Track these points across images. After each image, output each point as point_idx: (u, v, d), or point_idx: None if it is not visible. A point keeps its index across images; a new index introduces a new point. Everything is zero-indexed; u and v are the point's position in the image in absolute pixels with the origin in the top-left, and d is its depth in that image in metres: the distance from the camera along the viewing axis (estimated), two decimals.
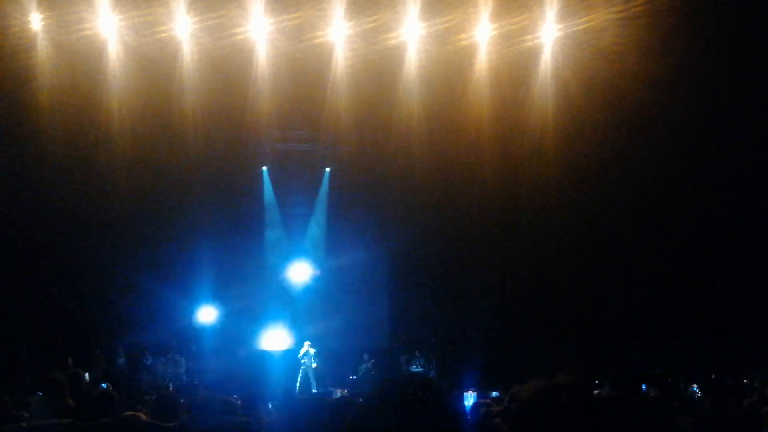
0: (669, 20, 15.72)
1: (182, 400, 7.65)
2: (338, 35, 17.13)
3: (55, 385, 7.00)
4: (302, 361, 18.21)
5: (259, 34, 17.06)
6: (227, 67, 17.37)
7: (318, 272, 20.93)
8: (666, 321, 17.97)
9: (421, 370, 18.89)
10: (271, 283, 21.07)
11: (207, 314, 20.06)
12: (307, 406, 7.16)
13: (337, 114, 18.09)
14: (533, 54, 17.70)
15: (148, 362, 18.44)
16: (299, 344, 18.65)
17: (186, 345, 19.52)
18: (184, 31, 16.81)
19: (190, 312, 20.04)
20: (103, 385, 13.76)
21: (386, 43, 17.17)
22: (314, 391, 17.52)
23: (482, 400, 8.03)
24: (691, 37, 15.84)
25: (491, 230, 19.83)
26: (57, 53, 16.77)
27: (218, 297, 20.38)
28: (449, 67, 17.75)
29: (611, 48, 16.67)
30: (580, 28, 16.88)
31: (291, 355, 18.93)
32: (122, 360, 18.26)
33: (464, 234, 20.22)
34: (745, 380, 13.53)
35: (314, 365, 18.21)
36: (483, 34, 17.31)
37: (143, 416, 5.35)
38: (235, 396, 9.24)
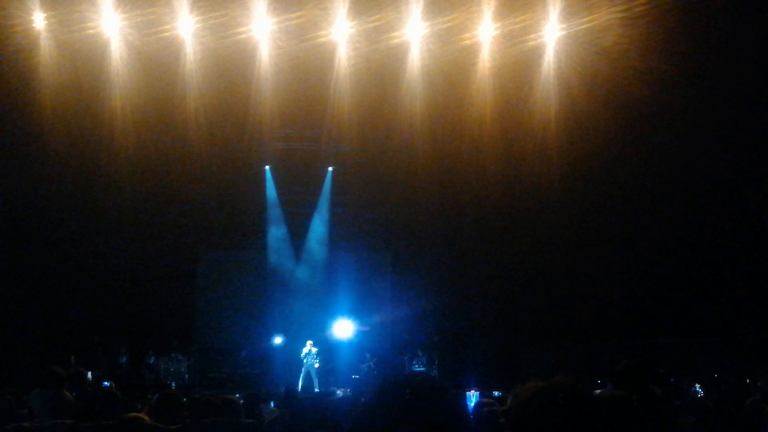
0: (672, 19, 15.70)
1: (184, 399, 7.66)
2: (341, 34, 17.13)
3: (53, 379, 7.01)
4: (304, 360, 18.22)
5: (262, 33, 17.06)
6: (230, 67, 17.38)
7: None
8: (668, 320, 17.95)
9: (423, 369, 18.90)
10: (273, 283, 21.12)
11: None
12: (309, 406, 7.17)
13: (339, 113, 18.10)
14: (536, 53, 17.69)
15: (151, 361, 18.47)
16: (302, 343, 18.67)
17: (188, 344, 19.57)
18: (186, 30, 16.82)
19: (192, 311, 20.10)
20: (106, 383, 13.79)
21: (389, 43, 17.16)
22: (316, 390, 17.53)
23: (485, 400, 8.03)
24: (694, 37, 15.82)
25: (494, 229, 19.84)
26: (60, 52, 16.79)
27: (220, 297, 20.45)
28: (452, 67, 17.75)
29: (614, 47, 16.65)
30: (583, 27, 16.86)
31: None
32: (125, 358, 18.30)
33: (467, 233, 20.23)
34: (748, 380, 13.51)
35: (316, 364, 18.23)
36: (486, 34, 17.30)
37: (146, 418, 5.35)
38: (237, 395, 9.25)
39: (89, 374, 15.51)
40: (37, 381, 7.24)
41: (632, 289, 18.27)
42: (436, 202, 19.72)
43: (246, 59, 17.33)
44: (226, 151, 19.72)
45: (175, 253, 19.89)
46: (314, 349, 18.30)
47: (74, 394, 7.41)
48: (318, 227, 21.68)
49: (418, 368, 18.93)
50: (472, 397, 12.45)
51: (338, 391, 15.07)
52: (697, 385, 12.77)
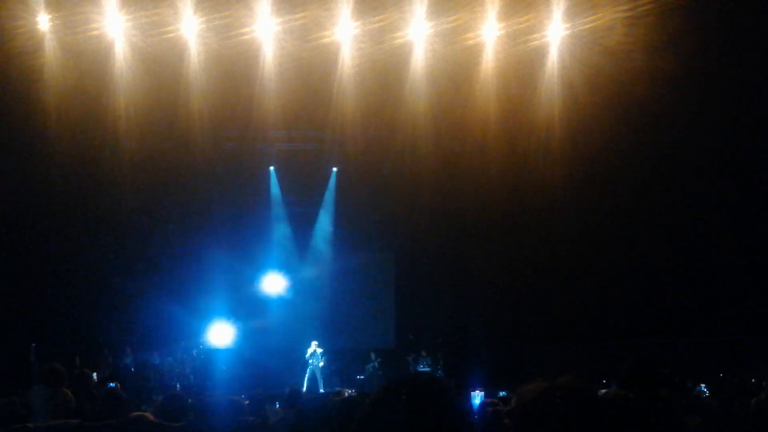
0: (676, 19, 15.67)
1: (189, 400, 7.67)
2: (345, 35, 17.13)
3: (54, 376, 7.03)
4: (309, 360, 18.24)
5: (266, 33, 17.07)
6: (234, 67, 17.39)
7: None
8: (673, 320, 17.92)
9: (428, 369, 18.90)
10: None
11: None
12: (314, 406, 7.17)
13: (343, 113, 18.10)
14: (540, 53, 17.67)
15: (155, 362, 18.48)
16: (307, 344, 18.67)
17: (192, 345, 19.58)
18: (190, 31, 16.84)
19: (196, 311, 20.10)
20: (111, 384, 13.80)
21: (393, 43, 17.16)
22: (321, 390, 17.54)
23: (489, 400, 8.02)
24: (698, 36, 15.78)
25: (498, 229, 19.81)
26: (64, 54, 16.82)
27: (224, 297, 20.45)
28: (456, 67, 17.73)
29: (618, 47, 16.63)
30: (587, 27, 16.84)
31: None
32: (129, 359, 18.31)
33: (471, 233, 20.22)
34: (753, 379, 13.49)
35: (321, 364, 18.25)
36: (489, 34, 17.29)
37: (150, 417, 5.36)
38: (242, 396, 9.25)
39: (94, 375, 15.55)
40: (37, 378, 7.26)
41: (637, 289, 18.24)
42: (440, 202, 19.71)
43: (250, 60, 17.34)
44: (231, 151, 19.74)
45: (180, 253, 19.91)
46: (319, 350, 18.32)
47: (77, 393, 7.43)
48: (323, 227, 21.69)
49: (423, 369, 18.93)
50: (477, 397, 12.43)
51: (344, 392, 15.07)
52: (702, 385, 12.73)
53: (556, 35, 17.35)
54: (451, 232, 20.29)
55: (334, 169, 21.44)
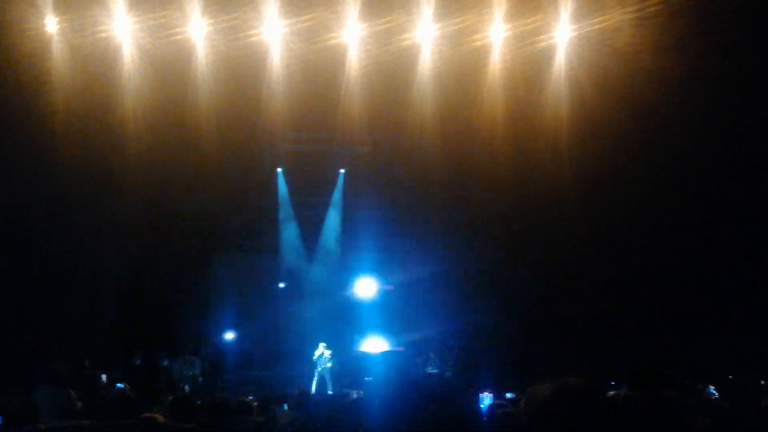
0: (684, 20, 15.64)
1: (198, 402, 7.69)
2: (352, 37, 17.16)
3: (56, 376, 7.07)
4: (317, 362, 18.25)
5: (274, 36, 17.11)
6: (242, 69, 17.43)
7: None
8: (683, 322, 17.87)
9: (436, 371, 18.88)
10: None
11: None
12: (323, 408, 7.19)
13: (351, 115, 18.12)
14: (547, 55, 17.67)
15: (165, 363, 18.53)
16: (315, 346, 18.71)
17: (202, 347, 19.63)
18: (198, 33, 16.90)
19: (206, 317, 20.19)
20: (120, 385, 13.86)
21: (400, 45, 17.18)
22: (330, 392, 17.55)
23: (498, 401, 8.02)
24: (706, 37, 15.75)
25: (507, 230, 19.80)
26: (72, 56, 16.89)
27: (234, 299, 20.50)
28: (463, 68, 17.74)
29: (626, 48, 16.61)
30: (594, 28, 16.83)
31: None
32: (139, 361, 18.36)
33: (479, 235, 20.20)
34: (763, 381, 13.45)
35: (329, 365, 18.26)
36: (497, 35, 17.29)
37: (160, 418, 5.39)
38: (251, 397, 9.28)
39: (104, 377, 15.60)
40: (41, 378, 7.32)
41: (646, 290, 18.21)
42: (448, 203, 19.71)
43: (257, 62, 17.39)
44: (239, 153, 19.78)
45: (189, 255, 19.95)
46: (327, 352, 18.33)
47: (87, 395, 7.47)
48: (331, 229, 21.72)
49: (432, 370, 18.91)
50: (486, 398, 12.42)
51: (352, 393, 15.09)
52: (712, 387, 12.68)
53: (564, 37, 17.34)
54: (460, 232, 20.27)
55: (342, 170, 21.46)
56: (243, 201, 20.83)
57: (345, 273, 21.45)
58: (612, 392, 4.99)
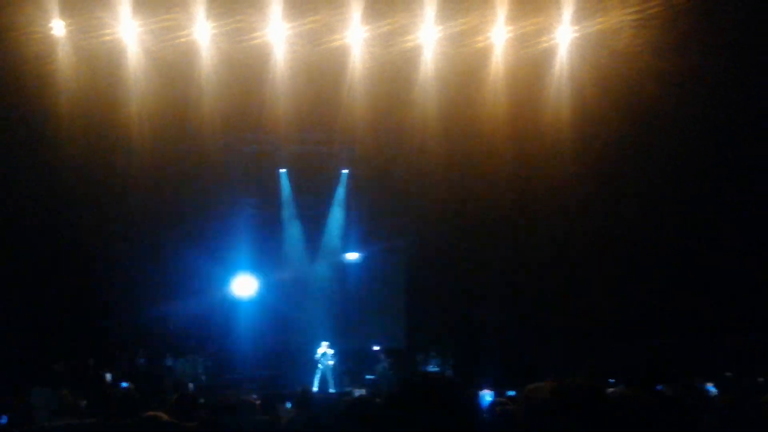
0: (685, 21, 15.67)
1: (202, 400, 7.76)
2: (355, 38, 17.21)
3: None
4: (320, 361, 18.31)
5: (277, 37, 17.17)
6: (246, 71, 17.48)
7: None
8: (681, 319, 17.89)
9: (437, 369, 18.93)
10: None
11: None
12: (325, 406, 7.25)
13: (354, 116, 18.15)
14: (549, 55, 17.70)
15: (169, 362, 18.60)
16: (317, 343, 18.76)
17: (205, 346, 19.70)
18: (203, 35, 16.97)
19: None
20: (124, 384, 13.93)
21: (402, 46, 17.23)
22: (332, 390, 17.62)
23: (499, 399, 8.09)
24: (707, 38, 15.78)
25: (508, 229, 19.83)
26: (78, 58, 16.97)
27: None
28: (465, 69, 17.77)
29: (627, 49, 16.64)
30: (595, 29, 16.86)
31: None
32: (143, 360, 18.43)
33: (481, 234, 20.22)
34: (761, 378, 13.46)
35: (331, 363, 18.33)
36: (498, 37, 17.33)
37: (164, 416, 5.44)
38: (254, 396, 9.35)
39: (108, 376, 15.70)
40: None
41: (645, 288, 18.23)
42: (450, 203, 19.73)
43: (261, 63, 17.44)
44: (242, 154, 19.84)
45: (192, 255, 19.99)
46: (330, 350, 18.39)
47: (91, 394, 7.54)
48: (333, 229, 21.76)
49: (432, 368, 18.96)
50: (486, 396, 12.47)
51: (354, 391, 15.17)
52: (711, 384, 12.69)
53: (565, 38, 17.38)
54: (462, 231, 20.30)
55: (345, 171, 21.50)
56: (246, 201, 20.88)
57: (347, 271, 21.51)
58: (611, 390, 5.06)
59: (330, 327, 19.76)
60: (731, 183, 17.38)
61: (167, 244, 19.40)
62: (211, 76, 17.32)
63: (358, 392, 15.27)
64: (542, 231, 19.32)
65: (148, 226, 19.08)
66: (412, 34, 17.16)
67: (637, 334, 17.96)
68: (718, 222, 17.51)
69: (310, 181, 21.12)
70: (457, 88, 17.96)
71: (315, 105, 18.33)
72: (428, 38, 17.32)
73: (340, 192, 21.59)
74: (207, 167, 18.97)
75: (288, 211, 21.50)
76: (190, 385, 17.56)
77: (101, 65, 17.12)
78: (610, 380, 10.85)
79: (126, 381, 14.89)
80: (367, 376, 19.27)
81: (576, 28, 17.11)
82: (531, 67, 17.77)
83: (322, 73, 17.59)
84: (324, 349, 18.40)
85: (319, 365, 18.34)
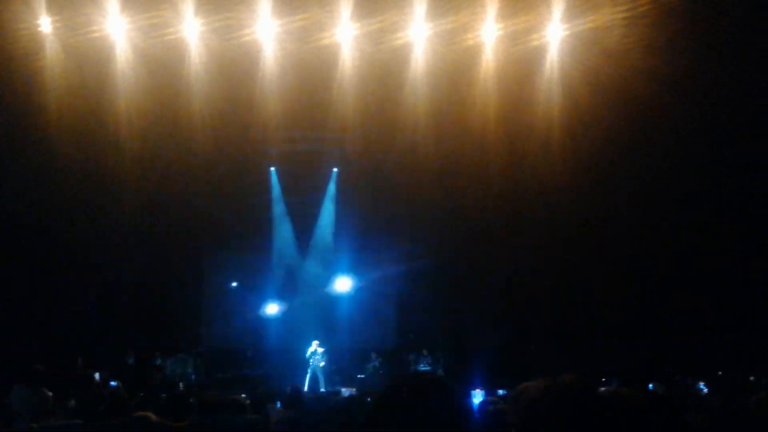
0: (675, 19, 15.71)
1: (192, 400, 7.70)
2: (345, 36, 17.18)
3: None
4: (310, 360, 18.26)
5: (267, 35, 17.12)
6: (235, 68, 17.44)
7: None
8: (673, 318, 17.94)
9: (428, 368, 18.90)
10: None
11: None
12: (315, 405, 7.21)
13: (344, 114, 18.13)
14: (539, 54, 17.72)
15: (158, 362, 18.52)
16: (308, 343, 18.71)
17: (193, 345, 19.64)
18: (191, 32, 16.90)
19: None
20: (113, 383, 13.83)
21: (392, 44, 17.22)
22: (322, 390, 17.56)
23: (490, 398, 8.05)
24: (698, 36, 15.82)
25: (498, 229, 19.83)
26: (66, 55, 16.88)
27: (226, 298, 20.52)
28: (455, 67, 17.78)
29: (618, 47, 16.67)
30: (586, 27, 16.89)
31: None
32: (132, 360, 18.34)
33: (471, 233, 20.22)
34: (752, 377, 13.51)
35: (322, 364, 18.27)
36: (489, 35, 17.33)
37: (153, 416, 5.40)
38: (244, 395, 9.28)
39: (97, 375, 15.58)
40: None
41: (637, 287, 18.27)
42: (440, 201, 19.72)
43: (250, 61, 17.39)
44: (232, 152, 19.75)
45: (182, 254, 19.92)
46: (320, 349, 18.34)
47: (80, 394, 7.47)
48: (324, 228, 21.71)
49: (424, 368, 18.93)
50: (477, 395, 12.46)
51: (344, 391, 15.12)
52: (702, 383, 12.74)
53: (556, 36, 17.39)
54: (452, 231, 20.29)
55: (335, 169, 21.45)
56: (236, 200, 20.79)
57: (336, 270, 21.47)
58: (603, 388, 5.04)
59: (320, 326, 19.72)
60: (725, 181, 17.44)
61: (155, 240, 19.31)
62: (200, 74, 17.26)
63: (349, 391, 15.23)
64: (533, 229, 19.33)
65: (135, 220, 18.97)
66: (403, 32, 17.15)
67: (629, 334, 18.02)
68: (711, 221, 17.55)
69: (301, 180, 21.06)
70: (448, 86, 17.96)
71: (305, 103, 18.29)
72: (419, 36, 17.31)
73: (331, 189, 21.54)
74: (195, 164, 18.87)
75: (278, 209, 21.44)
76: (180, 384, 17.53)
77: (90, 62, 17.04)
78: (602, 379, 10.87)
79: (114, 380, 14.80)
80: (358, 375, 19.23)
81: (567, 26, 17.13)
82: (521, 65, 17.79)
83: (311, 70, 17.56)
84: (314, 347, 18.34)
85: (310, 364, 18.28)
